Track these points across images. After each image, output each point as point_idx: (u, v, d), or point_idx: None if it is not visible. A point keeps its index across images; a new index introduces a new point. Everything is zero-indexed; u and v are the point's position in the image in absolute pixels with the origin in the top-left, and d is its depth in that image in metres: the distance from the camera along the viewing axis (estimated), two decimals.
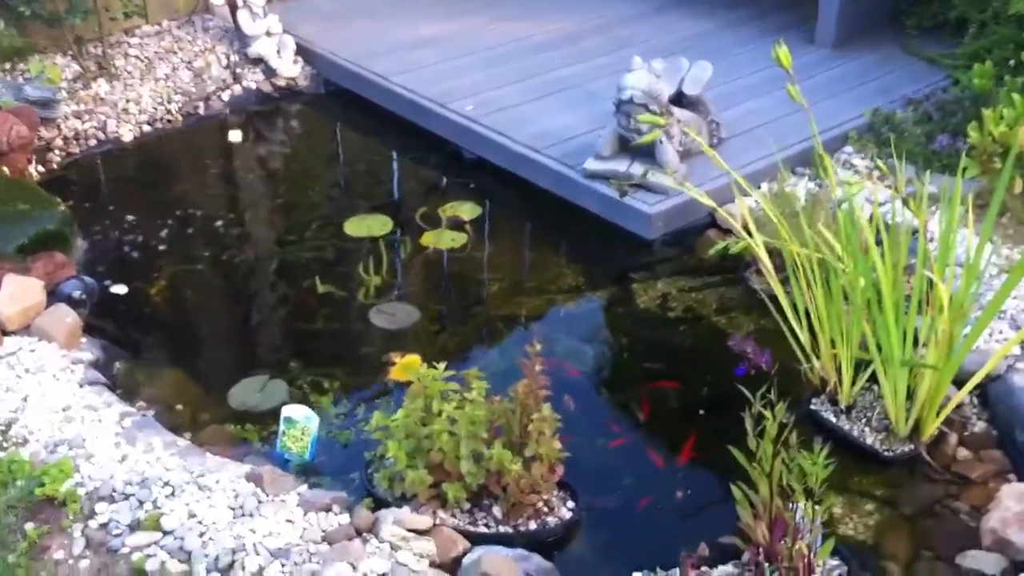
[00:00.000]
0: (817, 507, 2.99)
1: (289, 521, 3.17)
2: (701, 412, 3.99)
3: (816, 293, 3.81)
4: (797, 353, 3.92)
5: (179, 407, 3.99)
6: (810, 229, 3.83)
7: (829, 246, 3.82)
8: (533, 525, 3.35)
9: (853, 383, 3.83)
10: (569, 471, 3.46)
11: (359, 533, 3.16)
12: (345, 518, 3.22)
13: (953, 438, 3.73)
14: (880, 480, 3.65)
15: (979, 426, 3.82)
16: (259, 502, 3.24)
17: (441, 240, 5.00)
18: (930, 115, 5.50)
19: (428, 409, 3.38)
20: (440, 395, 3.37)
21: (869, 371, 3.81)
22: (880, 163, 5.19)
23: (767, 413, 2.95)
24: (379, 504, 3.40)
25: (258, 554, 3.03)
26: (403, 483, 3.31)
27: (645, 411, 3.91)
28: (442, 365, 3.43)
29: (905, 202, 4.31)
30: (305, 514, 3.22)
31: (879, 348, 3.65)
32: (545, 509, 3.39)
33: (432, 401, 3.36)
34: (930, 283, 3.59)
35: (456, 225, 5.13)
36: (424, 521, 3.23)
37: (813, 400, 3.93)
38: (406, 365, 4.13)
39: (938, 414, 3.66)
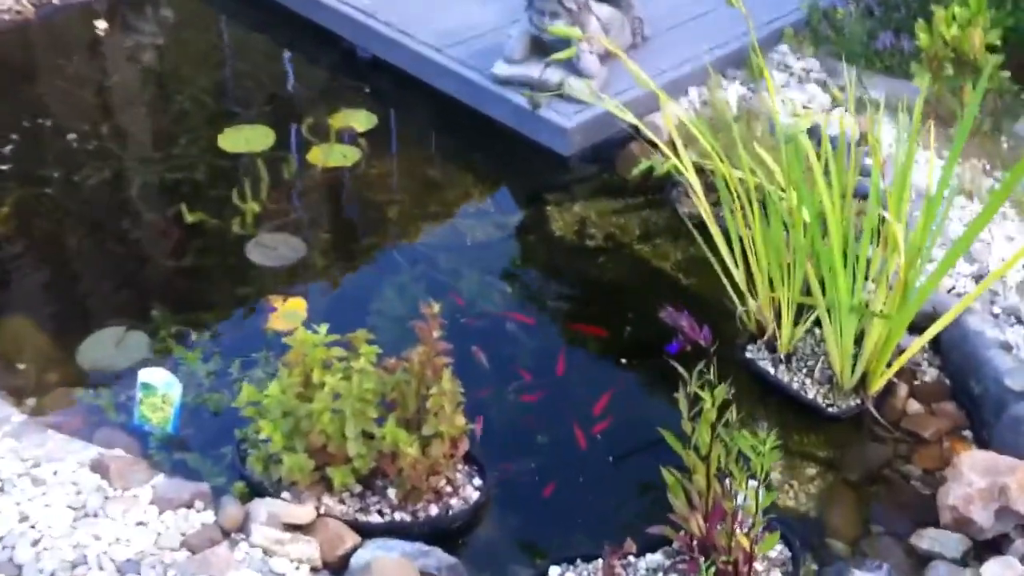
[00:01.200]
0: (761, 493, 2.57)
1: (141, 524, 2.66)
2: (623, 361, 3.54)
3: (752, 223, 3.35)
4: (730, 291, 3.47)
5: (21, 366, 3.41)
6: (745, 149, 3.34)
7: (767, 169, 3.34)
8: (435, 510, 2.89)
9: (794, 329, 3.40)
10: (476, 435, 2.99)
11: (226, 535, 2.67)
12: (209, 516, 2.72)
13: (903, 390, 3.35)
14: (823, 440, 3.27)
15: (930, 374, 3.45)
16: (105, 498, 2.72)
17: (331, 157, 4.40)
18: (872, 10, 5.00)
19: (308, 381, 2.86)
20: (322, 364, 2.85)
21: (812, 316, 3.39)
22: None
23: (705, 395, 2.49)
24: (254, 490, 2.90)
25: (102, 568, 2.52)
26: (281, 467, 2.81)
27: (560, 364, 3.44)
28: (323, 328, 2.90)
29: (849, 111, 3.86)
30: (161, 513, 2.71)
31: (823, 290, 3.22)
32: (448, 489, 2.94)
33: (312, 372, 2.84)
34: (882, 219, 3.15)
35: (348, 138, 4.53)
36: (305, 514, 2.75)
37: (749, 347, 3.50)
38: (289, 311, 3.59)
39: (888, 365, 3.26)
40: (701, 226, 3.57)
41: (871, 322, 3.19)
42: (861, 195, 3.53)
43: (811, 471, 3.18)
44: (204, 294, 3.78)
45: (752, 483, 2.57)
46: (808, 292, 3.29)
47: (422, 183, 4.41)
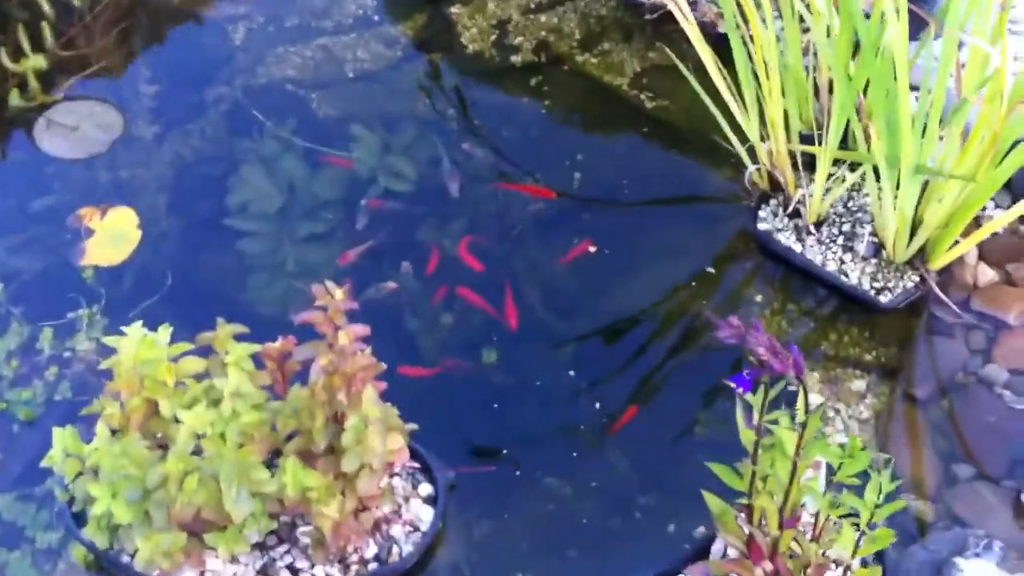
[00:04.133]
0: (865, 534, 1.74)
1: None
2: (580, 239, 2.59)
3: (755, 29, 2.32)
4: (722, 123, 2.50)
5: None
6: None
7: None
8: (372, 550, 2.01)
9: (823, 192, 2.46)
10: (412, 404, 2.07)
11: None
12: None
13: (971, 252, 2.48)
14: (872, 338, 2.43)
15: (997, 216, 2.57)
16: None
17: None
18: None
19: (154, 410, 1.86)
20: (169, 389, 1.85)
21: (856, 174, 2.46)
22: None
23: (782, 432, 1.58)
24: (100, 558, 1.98)
25: None
26: (133, 540, 1.87)
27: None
28: (165, 332, 1.87)
29: None
30: None
31: (868, 139, 2.26)
32: (386, 510, 2.04)
33: (159, 401, 1.84)
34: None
35: None
36: None
37: (761, 212, 2.57)
38: (111, 232, 2.51)
39: (957, 241, 2.38)
40: (665, 19, 2.55)
41: (940, 183, 2.27)
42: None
43: (858, 385, 2.35)
44: None
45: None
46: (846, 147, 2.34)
47: None
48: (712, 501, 1.81)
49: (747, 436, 1.59)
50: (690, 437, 2.27)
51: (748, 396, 1.55)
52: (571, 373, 2.36)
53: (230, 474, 1.73)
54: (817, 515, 1.78)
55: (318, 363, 1.74)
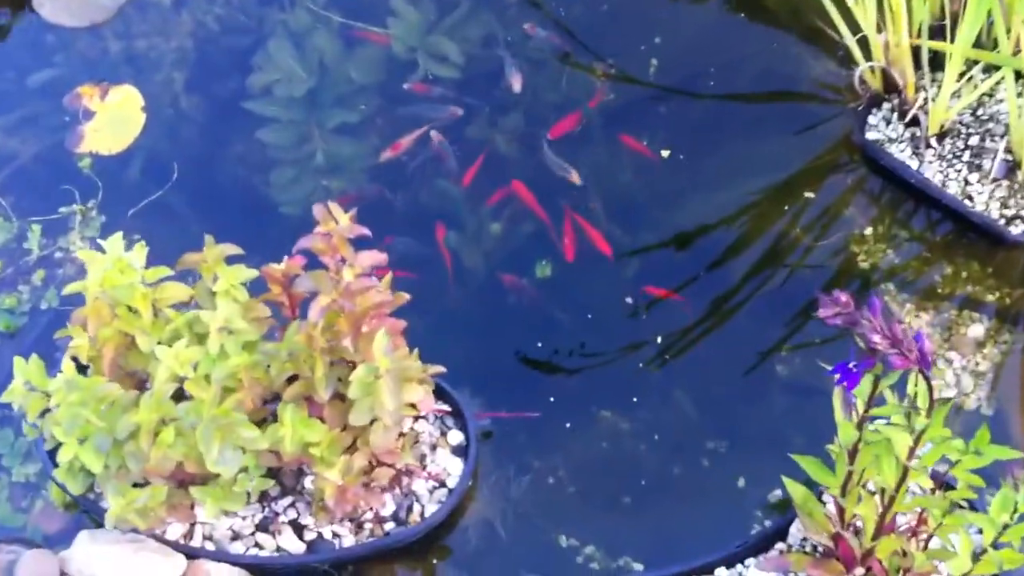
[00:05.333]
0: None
1: None
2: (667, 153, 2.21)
3: None
4: (832, 14, 2.08)
5: None
6: None
7: None
8: (390, 509, 1.72)
9: (956, 94, 2.04)
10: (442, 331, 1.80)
11: None
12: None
13: None
14: (996, 277, 2.04)
15: None
16: None
17: None
18: None
19: (131, 344, 1.57)
20: (149, 318, 1.55)
21: (993, 79, 2.03)
22: None
23: (898, 431, 1.23)
24: (78, 502, 1.72)
25: None
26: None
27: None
28: (140, 252, 1.56)
29: None
30: None
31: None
32: (409, 463, 1.74)
33: (135, 335, 1.54)
34: None
35: None
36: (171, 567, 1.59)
37: (870, 117, 2.15)
38: (114, 114, 2.19)
39: None
40: None
41: None
42: None
43: (976, 331, 1.98)
44: None
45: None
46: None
47: None
48: (794, 489, 1.47)
49: (846, 432, 1.24)
50: (767, 376, 1.94)
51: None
52: (628, 300, 2.02)
53: (208, 432, 1.43)
54: (921, 513, 1.44)
55: (318, 302, 1.42)
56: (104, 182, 2.12)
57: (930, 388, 1.15)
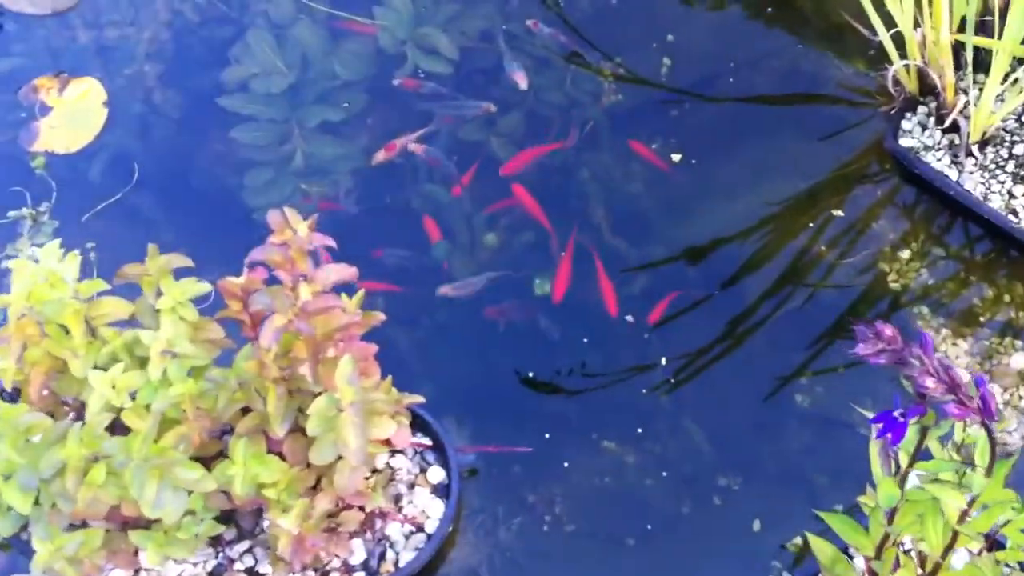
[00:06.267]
0: None
1: None
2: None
3: None
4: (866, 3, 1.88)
5: None
6: None
7: None
8: (359, 556, 1.52)
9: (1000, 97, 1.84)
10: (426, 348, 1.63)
11: None
12: None
13: None
14: None
15: None
16: None
17: None
18: None
19: (63, 373, 1.37)
20: (83, 337, 1.35)
21: None
22: None
23: (948, 490, 1.02)
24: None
25: None
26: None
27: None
28: (73, 262, 1.36)
29: None
30: None
31: None
32: (381, 504, 1.54)
33: (70, 362, 1.35)
34: None
35: None
36: None
37: (904, 122, 1.95)
38: (73, 108, 2.01)
39: None
40: None
41: None
42: None
43: (1020, 361, 1.77)
44: None
45: None
46: None
47: None
48: (821, 549, 1.27)
49: (887, 491, 1.04)
50: (786, 406, 1.74)
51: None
52: (628, 319, 1.82)
53: (140, 473, 1.23)
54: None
55: (271, 324, 1.22)
56: (59, 184, 1.93)
57: (993, 444, 0.95)
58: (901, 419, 0.91)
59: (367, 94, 2.09)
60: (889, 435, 0.91)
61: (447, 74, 2.09)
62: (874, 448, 1.07)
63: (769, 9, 2.17)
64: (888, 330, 0.88)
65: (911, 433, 0.98)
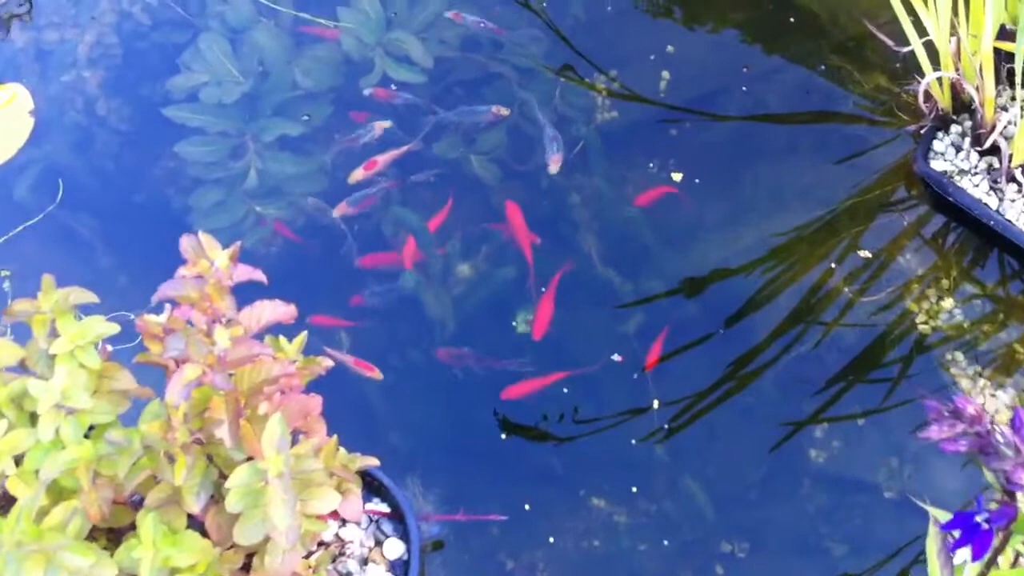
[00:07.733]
0: None
1: None
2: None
3: None
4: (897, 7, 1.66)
5: None
6: None
7: None
8: None
9: None
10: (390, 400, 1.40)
11: None
12: None
13: None
14: None
15: None
16: None
17: None
18: None
19: None
20: None
21: None
22: None
23: None
24: None
25: None
26: None
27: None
28: None
29: None
30: None
31: None
32: None
33: None
34: None
35: None
36: None
37: (935, 142, 1.73)
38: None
39: None
40: None
41: None
42: None
43: None
44: None
45: None
46: None
47: None
48: None
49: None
50: (797, 462, 1.52)
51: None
52: (616, 358, 1.59)
53: (16, 558, 0.99)
54: None
55: (180, 376, 0.98)
56: None
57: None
58: (987, 526, 0.67)
59: (331, 105, 1.87)
60: (970, 545, 0.68)
61: (420, 83, 1.86)
62: (932, 549, 0.84)
63: (771, 19, 1.95)
64: (971, 407, 0.65)
65: (997, 543, 0.75)
